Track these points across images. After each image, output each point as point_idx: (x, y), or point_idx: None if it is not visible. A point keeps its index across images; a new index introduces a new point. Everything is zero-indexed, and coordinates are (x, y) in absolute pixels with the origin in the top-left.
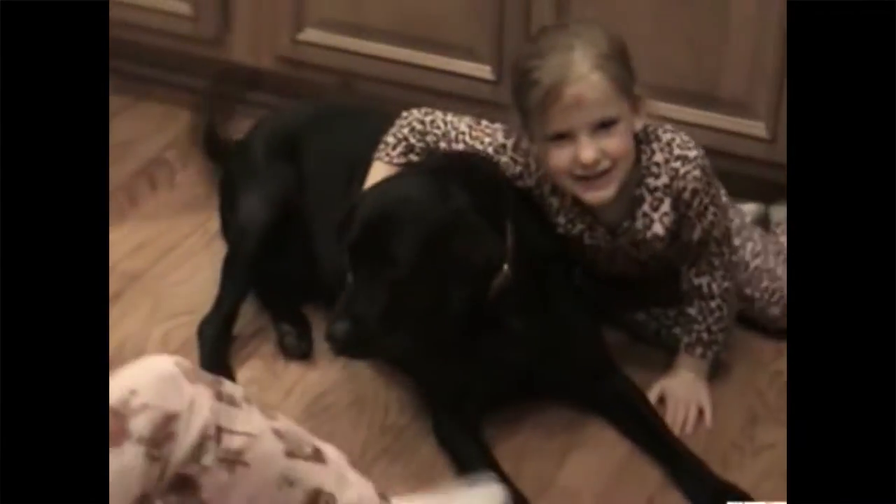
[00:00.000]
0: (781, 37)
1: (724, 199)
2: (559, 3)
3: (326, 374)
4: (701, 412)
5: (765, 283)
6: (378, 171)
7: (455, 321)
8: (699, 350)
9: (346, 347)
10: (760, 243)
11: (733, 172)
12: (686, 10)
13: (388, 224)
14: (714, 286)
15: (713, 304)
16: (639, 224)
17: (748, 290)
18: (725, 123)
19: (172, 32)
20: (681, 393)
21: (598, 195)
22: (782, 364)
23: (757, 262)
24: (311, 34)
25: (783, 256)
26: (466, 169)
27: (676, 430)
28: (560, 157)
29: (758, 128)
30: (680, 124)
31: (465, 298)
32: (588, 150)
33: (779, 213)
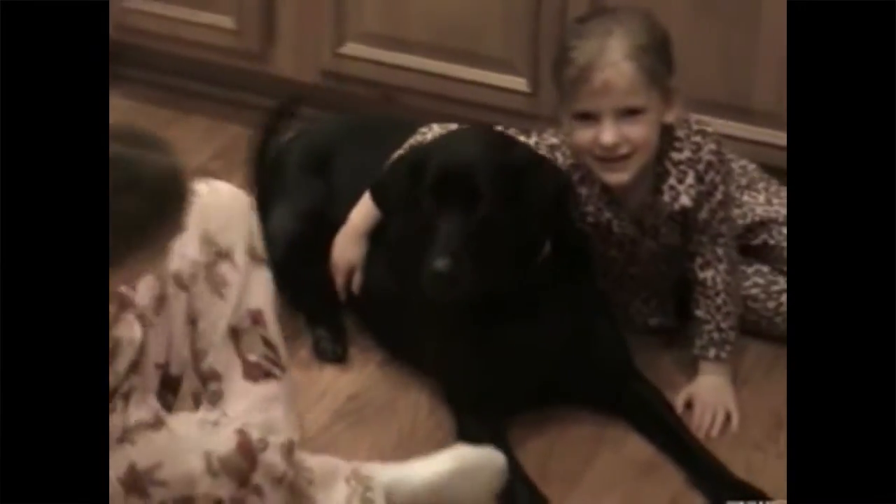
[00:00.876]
0: None
1: (731, 193)
2: None
3: (359, 377)
4: (728, 416)
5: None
6: None
7: (517, 280)
8: (713, 351)
9: (450, 283)
10: (763, 195)
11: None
12: (717, 22)
13: (469, 165)
14: (718, 279)
15: (719, 300)
16: (666, 197)
17: (764, 236)
18: (757, 135)
19: (216, 46)
20: (707, 398)
21: (614, 177)
22: None
23: (761, 210)
24: (352, 48)
25: None
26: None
27: (702, 435)
28: (584, 135)
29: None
30: None
31: (539, 234)
32: (609, 133)
33: None
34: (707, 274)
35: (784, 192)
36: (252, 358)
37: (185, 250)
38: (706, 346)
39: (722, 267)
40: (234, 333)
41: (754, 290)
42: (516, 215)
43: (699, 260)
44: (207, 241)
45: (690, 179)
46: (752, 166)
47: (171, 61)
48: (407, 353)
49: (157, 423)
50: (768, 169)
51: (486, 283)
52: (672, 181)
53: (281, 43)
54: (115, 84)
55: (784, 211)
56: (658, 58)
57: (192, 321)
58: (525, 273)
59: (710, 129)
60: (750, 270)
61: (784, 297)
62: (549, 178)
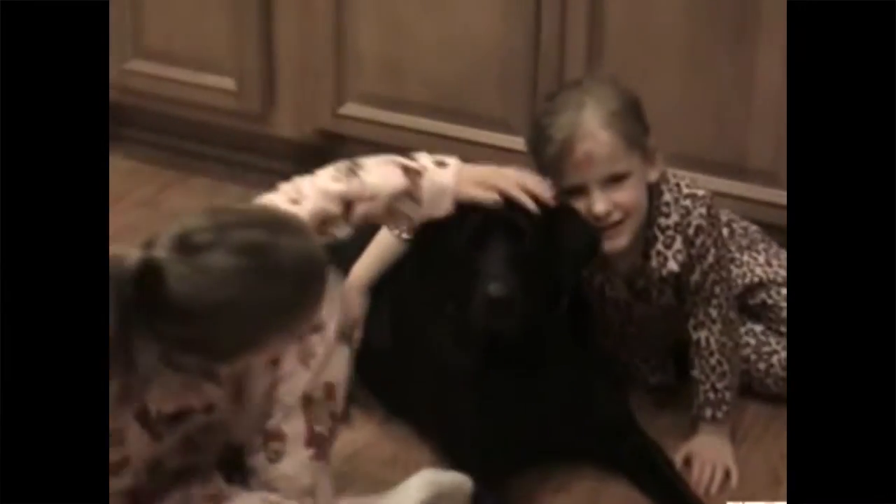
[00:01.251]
0: None
1: (732, 254)
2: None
3: (361, 433)
4: (727, 473)
5: (774, 289)
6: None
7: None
8: (709, 412)
9: (506, 308)
10: (763, 255)
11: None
12: (712, 82)
13: (507, 209)
14: (712, 340)
15: (713, 360)
16: (654, 263)
17: (763, 296)
18: (753, 192)
19: (218, 108)
20: (706, 455)
21: (612, 244)
22: None
23: (760, 271)
24: (351, 108)
25: None
26: None
27: (701, 491)
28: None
29: (784, 196)
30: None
31: (568, 281)
32: (600, 203)
33: None
34: (701, 335)
35: (784, 254)
36: (318, 428)
37: None
38: (703, 406)
39: (716, 328)
40: (307, 402)
41: (745, 351)
42: (551, 258)
43: (693, 321)
44: None
45: (678, 245)
46: (753, 227)
47: (172, 122)
48: (407, 411)
49: (219, 500)
50: (764, 226)
51: (528, 318)
52: (659, 246)
53: (281, 104)
54: (116, 145)
55: (783, 272)
56: (633, 120)
57: (273, 386)
58: (546, 322)
59: (701, 193)
60: (742, 330)
61: (775, 359)
62: (583, 227)
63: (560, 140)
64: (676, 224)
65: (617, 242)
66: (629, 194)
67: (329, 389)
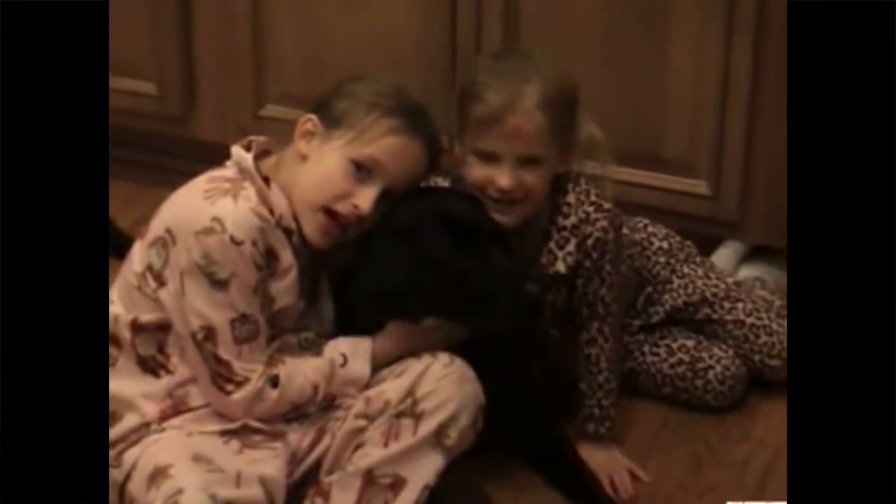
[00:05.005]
0: (719, 98)
1: (624, 272)
2: None
3: None
4: (631, 473)
5: (762, 339)
6: None
7: None
8: (591, 427)
9: (538, 304)
10: (751, 303)
11: (679, 231)
12: (626, 75)
13: (483, 213)
14: (602, 358)
15: (601, 377)
16: (544, 259)
17: (746, 347)
18: (669, 183)
19: (139, 112)
20: (600, 465)
21: (500, 218)
22: (726, 414)
23: (751, 319)
24: (272, 109)
25: (775, 311)
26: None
27: (620, 500)
28: (481, 173)
29: (700, 186)
30: (626, 185)
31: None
32: (507, 178)
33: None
34: (592, 350)
35: (716, 268)
36: None
37: None
38: (586, 420)
39: (607, 346)
40: (369, 479)
41: (680, 369)
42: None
43: (585, 335)
44: None
45: (570, 247)
46: (688, 242)
47: None
48: None
49: None
50: (680, 216)
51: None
52: (552, 245)
53: (202, 106)
54: None
55: (723, 285)
56: (567, 112)
57: None
58: None
59: (606, 205)
60: (675, 346)
61: (711, 374)
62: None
63: (494, 105)
64: (573, 226)
65: (505, 218)
66: (536, 179)
67: (398, 483)
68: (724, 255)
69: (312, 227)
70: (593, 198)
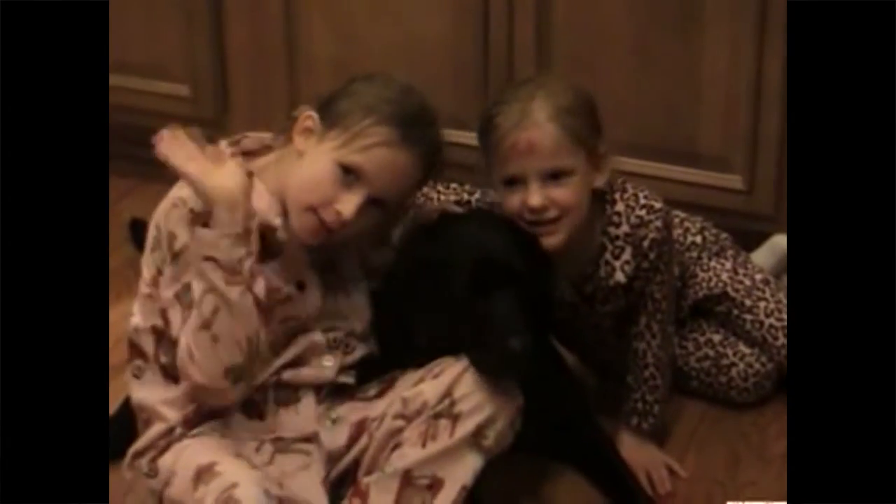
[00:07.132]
0: (752, 92)
1: (701, 262)
2: None
3: None
4: (669, 468)
5: (780, 341)
6: None
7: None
8: (634, 420)
9: (527, 359)
10: (774, 303)
11: (715, 227)
12: (659, 73)
13: (503, 249)
14: (649, 354)
15: (647, 372)
16: (601, 272)
17: (765, 347)
18: (705, 179)
19: (173, 114)
20: (638, 459)
21: (546, 241)
22: (764, 409)
23: (770, 320)
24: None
25: None
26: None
27: (654, 494)
28: (512, 200)
29: (735, 181)
30: (661, 181)
31: (552, 300)
32: (535, 196)
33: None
34: (640, 345)
35: (750, 264)
36: None
37: None
38: (630, 413)
39: (655, 342)
40: (406, 480)
41: (706, 364)
42: (539, 283)
43: (634, 329)
44: None
45: (627, 255)
46: (724, 235)
47: (128, 131)
48: None
49: None
50: (714, 211)
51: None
52: (608, 256)
53: (236, 109)
54: None
55: (747, 282)
56: (582, 119)
57: None
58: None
59: (658, 205)
60: (702, 340)
61: (734, 371)
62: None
63: (506, 127)
64: (627, 234)
65: (551, 240)
66: (568, 193)
67: (436, 484)
68: (764, 252)
69: (300, 225)
70: (643, 201)
